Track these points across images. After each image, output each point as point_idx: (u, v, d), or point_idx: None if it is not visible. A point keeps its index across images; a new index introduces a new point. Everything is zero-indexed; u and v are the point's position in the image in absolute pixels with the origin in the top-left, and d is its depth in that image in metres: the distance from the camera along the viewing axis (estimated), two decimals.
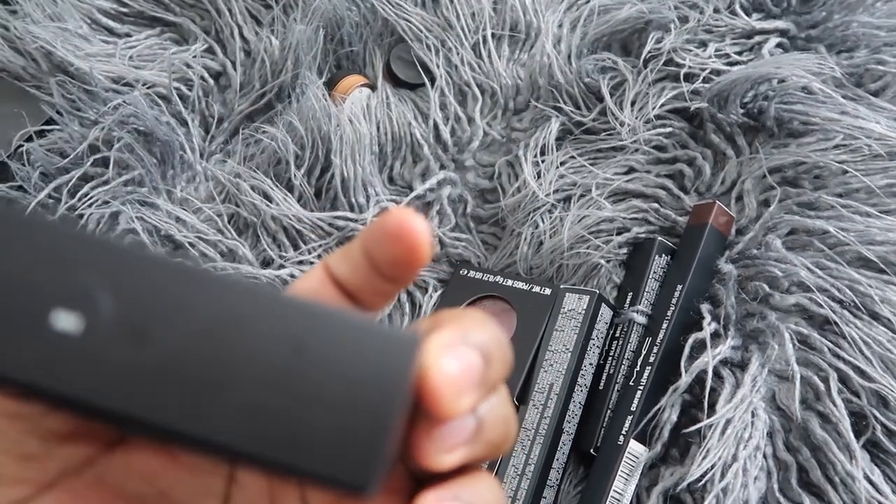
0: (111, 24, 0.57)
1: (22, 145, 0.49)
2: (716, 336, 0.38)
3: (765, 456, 0.35)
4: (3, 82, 0.54)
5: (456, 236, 0.47)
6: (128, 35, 0.57)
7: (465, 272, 0.46)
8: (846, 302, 0.37)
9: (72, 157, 0.46)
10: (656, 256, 0.41)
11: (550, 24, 0.50)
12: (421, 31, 0.53)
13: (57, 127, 0.50)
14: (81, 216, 0.46)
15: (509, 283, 0.44)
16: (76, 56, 0.53)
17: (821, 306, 0.37)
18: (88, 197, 0.47)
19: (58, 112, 0.51)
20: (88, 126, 0.50)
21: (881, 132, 0.39)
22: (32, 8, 0.54)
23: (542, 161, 0.46)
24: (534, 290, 0.43)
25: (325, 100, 0.50)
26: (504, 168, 0.48)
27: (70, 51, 0.53)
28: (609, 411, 0.39)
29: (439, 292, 0.46)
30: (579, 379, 0.40)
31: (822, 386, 0.35)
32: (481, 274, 0.46)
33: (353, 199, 0.48)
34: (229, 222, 0.50)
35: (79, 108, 0.52)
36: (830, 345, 0.36)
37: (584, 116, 0.47)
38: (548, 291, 0.43)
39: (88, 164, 0.47)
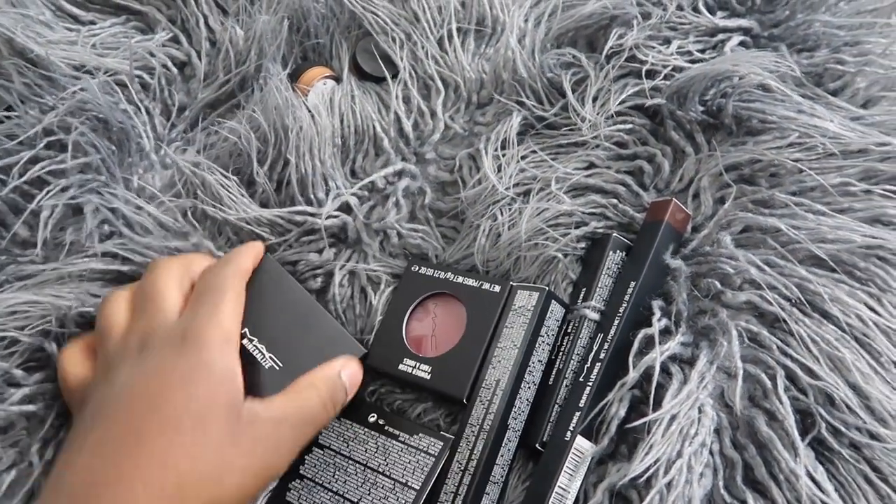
0: (76, 11, 0.56)
1: None
2: (666, 332, 0.38)
3: (711, 453, 0.35)
4: None
5: (413, 227, 0.46)
6: (92, 23, 0.56)
7: (417, 268, 0.46)
8: (794, 300, 0.36)
9: (22, 138, 0.46)
10: (610, 252, 0.41)
11: (516, 19, 0.50)
12: (387, 24, 0.53)
13: (16, 114, 0.49)
14: (34, 204, 0.45)
15: (460, 279, 0.44)
16: (37, 43, 0.52)
17: (771, 304, 0.36)
18: (46, 185, 0.46)
19: (20, 101, 0.50)
20: (46, 111, 0.49)
21: (836, 131, 0.39)
22: None
23: (503, 155, 0.46)
24: (483, 286, 0.43)
25: (287, 91, 0.49)
26: (465, 161, 0.47)
27: (31, 37, 0.52)
28: (557, 407, 0.39)
29: (391, 288, 0.46)
30: (527, 375, 0.40)
31: (769, 383, 0.35)
32: (432, 270, 0.45)
33: (312, 195, 0.47)
34: (192, 215, 0.49)
35: (39, 95, 0.51)
36: (779, 342, 0.36)
37: (545, 111, 0.47)
38: (497, 289, 0.43)
39: (41, 146, 0.46)
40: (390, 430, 0.42)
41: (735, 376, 0.35)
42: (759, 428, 0.34)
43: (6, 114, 0.49)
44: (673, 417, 0.34)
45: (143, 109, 0.52)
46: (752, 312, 0.37)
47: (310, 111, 0.49)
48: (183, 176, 0.49)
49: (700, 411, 0.35)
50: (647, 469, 0.33)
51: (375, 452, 0.42)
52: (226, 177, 0.48)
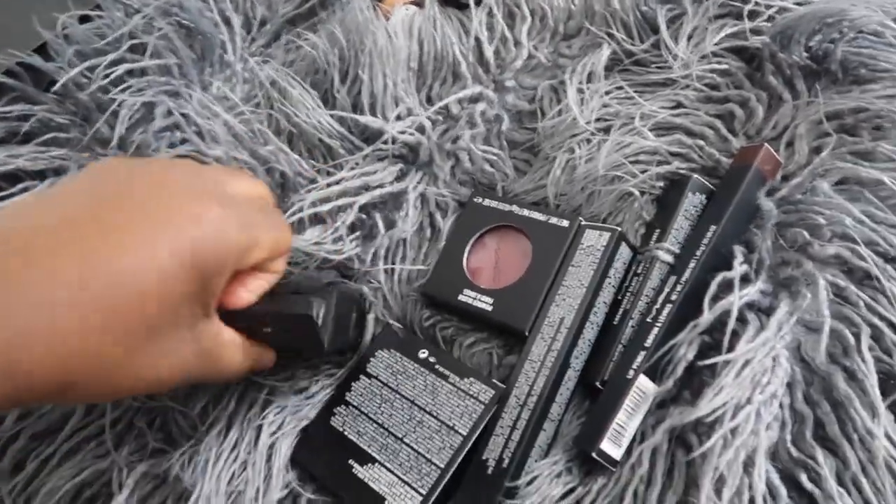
0: None
1: (66, 27, 0.49)
2: (745, 280, 0.36)
3: (781, 406, 0.34)
4: None
5: (486, 149, 0.45)
6: None
7: (481, 200, 0.45)
8: (891, 256, 0.34)
9: (109, 39, 0.46)
10: (689, 193, 0.39)
11: None
12: None
13: (101, 13, 0.49)
14: (114, 101, 0.46)
15: (525, 213, 0.43)
16: None
17: (863, 259, 0.34)
18: (124, 84, 0.47)
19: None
20: (132, 15, 0.50)
21: None
22: None
23: (588, 88, 0.44)
24: (551, 220, 0.42)
25: (368, 11, 0.49)
26: (547, 92, 0.46)
27: None
28: (621, 346, 0.38)
29: (455, 216, 0.45)
30: (591, 316, 0.39)
31: (852, 340, 0.33)
32: (496, 203, 0.44)
33: (381, 116, 0.47)
34: (267, 126, 0.49)
35: None
36: (868, 299, 0.34)
37: (635, 46, 0.45)
38: (565, 223, 0.41)
39: (125, 48, 0.46)
40: (441, 369, 0.41)
41: (816, 330, 0.33)
42: (836, 385, 0.33)
43: (95, 12, 0.50)
44: (746, 363, 0.33)
45: (229, 19, 0.52)
46: (839, 267, 0.35)
47: (387, 31, 0.48)
48: (263, 88, 0.49)
49: (774, 361, 0.33)
50: (714, 411, 0.32)
51: (424, 390, 0.41)
52: (305, 89, 0.47)
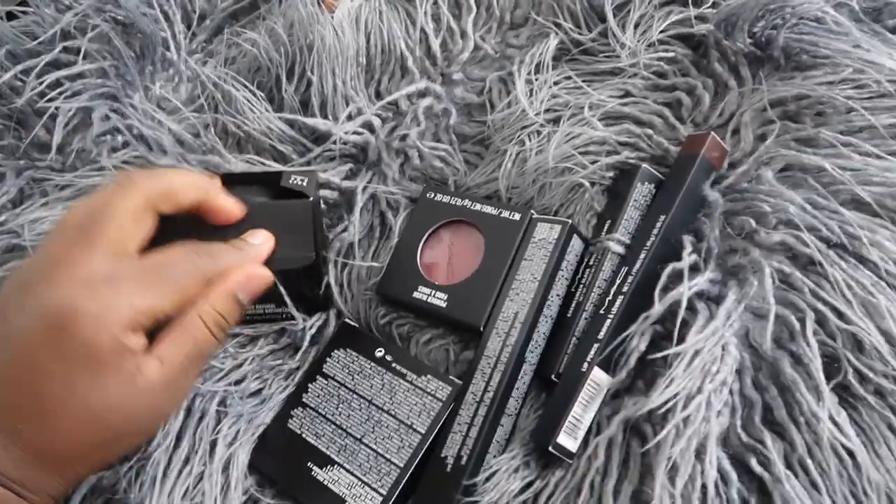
0: None
1: None
2: (694, 269, 0.36)
3: (731, 392, 0.34)
4: None
5: (434, 146, 0.45)
6: None
7: (433, 195, 0.44)
8: (833, 242, 0.35)
9: (42, 38, 0.44)
10: (639, 183, 0.39)
11: None
12: None
13: (27, 9, 0.47)
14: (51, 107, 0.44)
15: (478, 207, 0.43)
16: None
17: (807, 245, 0.35)
18: (61, 87, 0.45)
19: None
20: (63, 11, 0.47)
21: (893, 67, 0.37)
22: None
23: (536, 79, 0.44)
24: (503, 214, 0.42)
25: (312, 6, 0.47)
26: (495, 84, 0.45)
27: None
28: (574, 338, 0.38)
29: (407, 212, 0.45)
30: (545, 309, 0.39)
31: (797, 325, 0.34)
32: (449, 197, 0.44)
33: (332, 116, 0.46)
34: (212, 129, 0.48)
35: None
36: (812, 285, 0.35)
37: (583, 35, 0.44)
38: (517, 216, 0.41)
39: (59, 49, 0.44)
40: (398, 367, 0.41)
41: (763, 317, 0.34)
42: (783, 369, 0.33)
43: (20, 9, 0.48)
44: (696, 353, 0.33)
45: (162, 15, 0.50)
46: (785, 253, 0.36)
47: (334, 28, 0.47)
48: (205, 89, 0.48)
49: (724, 349, 0.34)
50: (666, 402, 0.32)
51: (381, 389, 0.41)
52: (252, 91, 0.46)
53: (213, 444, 0.37)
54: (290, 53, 0.46)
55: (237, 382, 0.41)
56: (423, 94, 0.46)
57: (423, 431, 0.39)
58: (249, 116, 0.45)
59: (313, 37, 0.45)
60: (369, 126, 0.45)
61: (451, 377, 0.40)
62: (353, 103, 0.46)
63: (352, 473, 0.39)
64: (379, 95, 0.48)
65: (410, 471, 0.38)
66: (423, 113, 0.45)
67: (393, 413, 0.40)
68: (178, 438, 0.37)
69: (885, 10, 0.41)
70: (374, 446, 0.39)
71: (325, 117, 0.46)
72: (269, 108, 0.46)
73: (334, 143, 0.44)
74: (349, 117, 0.45)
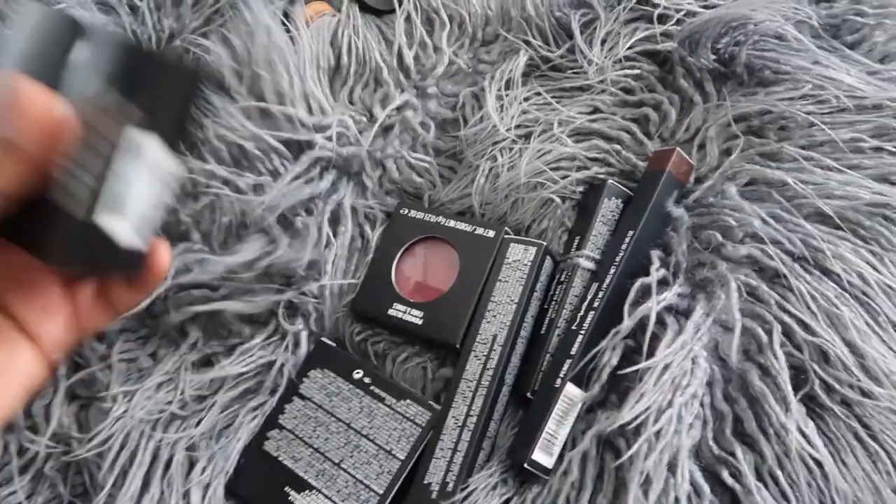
0: None
1: None
2: (663, 283, 0.37)
3: (702, 405, 0.35)
4: None
5: (418, 157, 0.45)
6: None
7: (407, 211, 0.45)
8: (797, 255, 0.36)
9: None
10: (605, 199, 0.40)
11: None
12: None
13: None
14: None
15: (451, 223, 0.43)
16: None
17: (772, 258, 0.36)
18: None
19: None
20: None
21: (851, 83, 0.38)
22: None
23: (506, 95, 0.44)
24: (477, 231, 0.42)
25: (267, 18, 0.47)
26: (468, 99, 0.46)
27: None
28: (548, 355, 0.39)
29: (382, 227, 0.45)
30: (521, 331, 0.39)
31: (765, 338, 0.35)
32: (423, 214, 0.44)
33: (294, 113, 0.45)
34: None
35: None
36: (778, 297, 0.35)
37: (552, 52, 0.45)
38: (491, 233, 0.42)
39: None
40: (376, 391, 0.41)
41: (732, 329, 0.35)
42: (751, 382, 0.34)
43: None
44: (666, 367, 0.33)
45: (132, 34, 0.50)
46: (751, 266, 0.37)
47: (288, 31, 0.47)
48: None
49: (693, 362, 0.34)
50: (637, 417, 0.33)
51: (360, 413, 0.40)
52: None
53: (188, 494, 0.37)
54: (244, 60, 0.45)
55: (200, 424, 0.41)
56: (402, 107, 0.46)
57: (403, 458, 0.39)
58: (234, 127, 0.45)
59: (262, 37, 0.45)
60: (346, 128, 0.45)
61: (429, 402, 0.40)
62: (315, 98, 0.46)
63: (330, 500, 0.39)
64: (352, 101, 0.48)
65: (390, 498, 0.38)
66: (400, 125, 0.46)
67: (372, 438, 0.40)
68: (146, 485, 0.37)
69: (843, 26, 0.43)
70: (352, 472, 0.39)
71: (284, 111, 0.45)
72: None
73: (312, 146, 0.44)
74: (310, 111, 0.45)
